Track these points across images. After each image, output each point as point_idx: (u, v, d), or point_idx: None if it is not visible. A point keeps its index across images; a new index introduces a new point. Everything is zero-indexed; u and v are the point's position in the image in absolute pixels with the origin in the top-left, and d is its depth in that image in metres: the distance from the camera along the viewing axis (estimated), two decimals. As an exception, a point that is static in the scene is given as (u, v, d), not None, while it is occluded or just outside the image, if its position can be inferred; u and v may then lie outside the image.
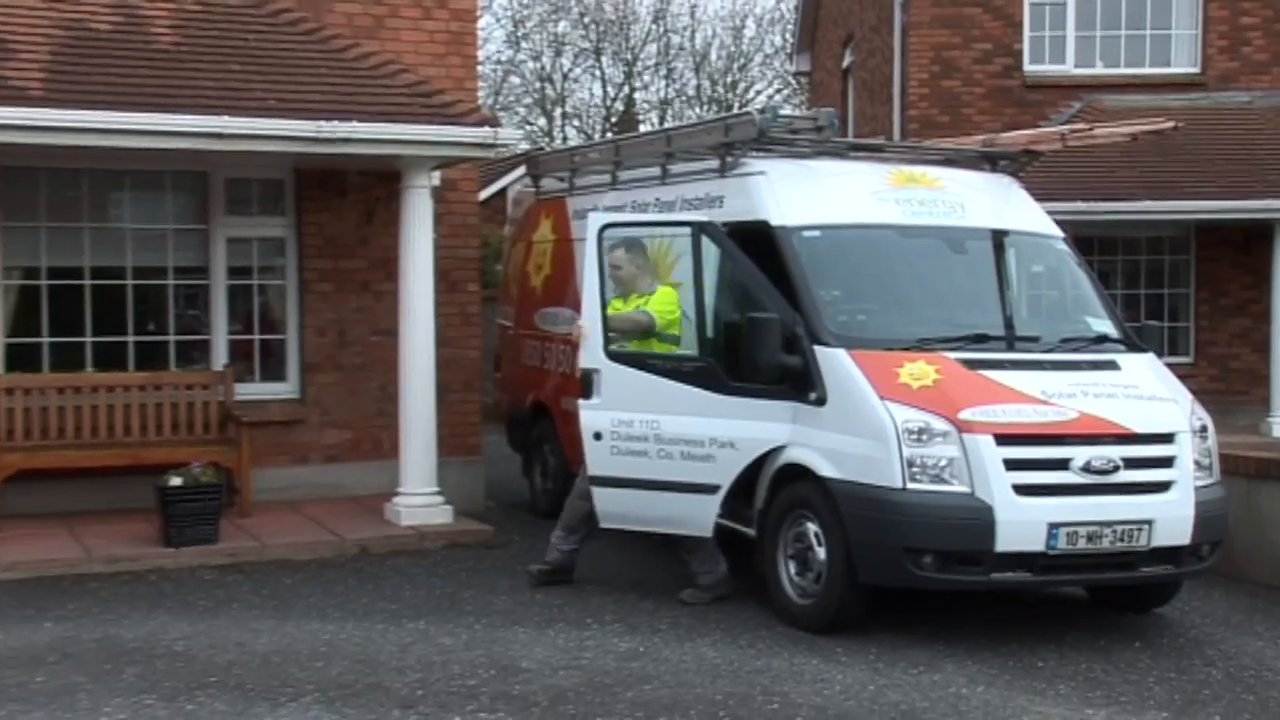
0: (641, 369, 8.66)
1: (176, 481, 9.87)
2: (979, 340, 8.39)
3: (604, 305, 8.74)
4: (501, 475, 12.83)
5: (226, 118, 9.70)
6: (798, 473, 8.14)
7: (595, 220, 8.97)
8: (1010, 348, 8.45)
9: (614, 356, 8.68)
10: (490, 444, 12.67)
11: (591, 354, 8.75)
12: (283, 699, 6.70)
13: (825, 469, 7.91)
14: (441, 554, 10.08)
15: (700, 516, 8.51)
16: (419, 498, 10.67)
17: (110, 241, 11.48)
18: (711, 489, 8.43)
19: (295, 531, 10.46)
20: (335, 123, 9.91)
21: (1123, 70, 17.88)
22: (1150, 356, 8.84)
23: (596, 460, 8.73)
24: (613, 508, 8.78)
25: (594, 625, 8.15)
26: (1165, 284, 17.69)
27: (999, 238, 9.11)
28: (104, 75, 9.88)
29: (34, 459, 10.51)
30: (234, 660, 7.38)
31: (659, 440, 8.53)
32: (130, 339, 11.53)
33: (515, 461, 12.64)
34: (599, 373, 8.70)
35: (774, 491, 8.35)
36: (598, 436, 8.69)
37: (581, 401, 8.79)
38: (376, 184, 11.78)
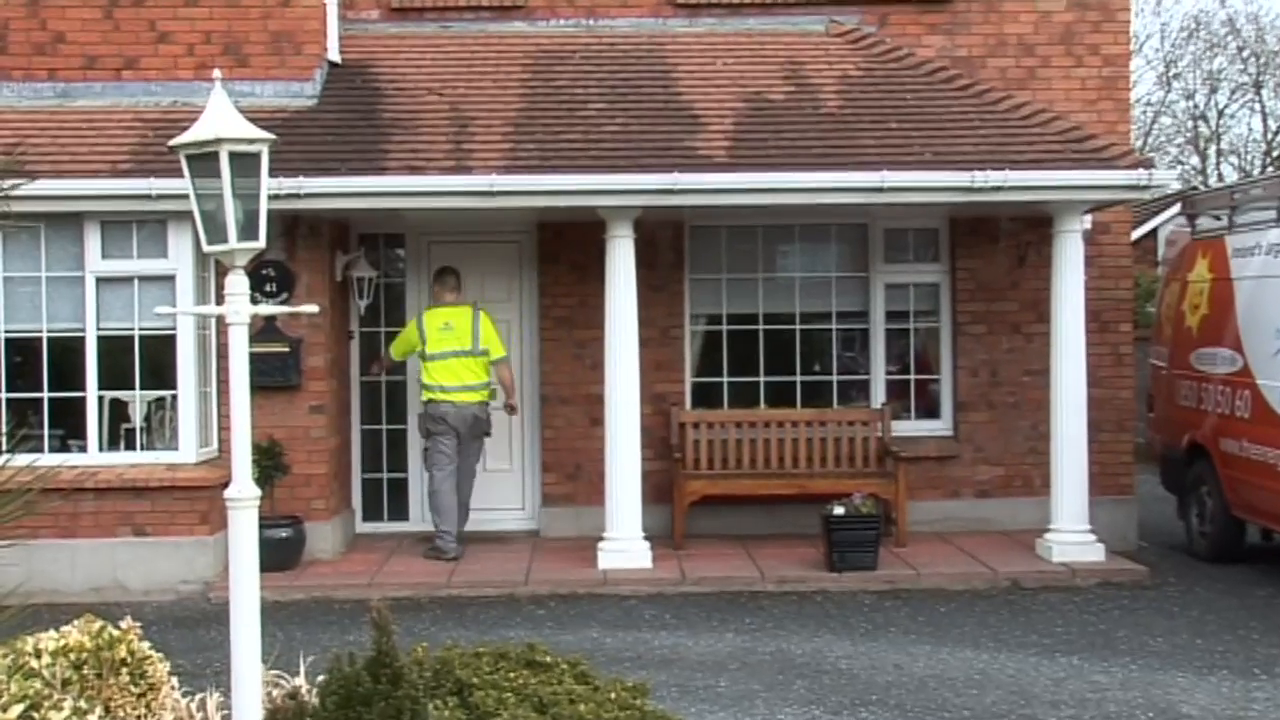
0: None
1: (839, 511, 9.90)
2: None
3: None
4: (1155, 516, 11.93)
5: (886, 172, 9.70)
6: None
7: None
8: None
9: None
10: (1142, 484, 11.83)
11: None
12: (941, 723, 6.53)
13: None
14: (1093, 591, 9.51)
15: None
16: (1070, 534, 10.09)
17: (780, 290, 11.76)
18: None
19: (948, 562, 10.21)
20: (989, 172, 9.67)
21: None
22: None
23: None
24: None
25: (1262, 676, 7.30)
26: None
27: None
28: (777, 140, 10.17)
29: (715, 486, 10.92)
30: (892, 681, 7.30)
31: None
32: (797, 378, 11.72)
33: (1169, 502, 11.72)
34: None
35: None
36: None
37: None
38: (1027, 229, 11.35)
